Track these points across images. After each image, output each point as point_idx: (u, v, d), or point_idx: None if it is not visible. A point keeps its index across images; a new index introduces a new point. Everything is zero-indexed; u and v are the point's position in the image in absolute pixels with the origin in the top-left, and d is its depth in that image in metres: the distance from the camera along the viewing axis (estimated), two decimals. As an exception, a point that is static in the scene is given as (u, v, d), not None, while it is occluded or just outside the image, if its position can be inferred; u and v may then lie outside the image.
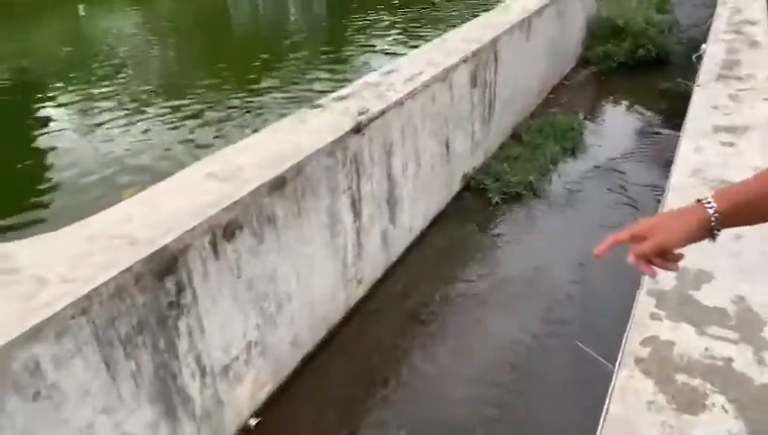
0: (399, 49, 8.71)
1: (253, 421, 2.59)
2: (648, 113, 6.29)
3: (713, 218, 1.03)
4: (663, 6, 8.48)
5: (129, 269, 1.90)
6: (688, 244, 1.06)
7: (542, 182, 4.74)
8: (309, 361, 2.97)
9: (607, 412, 1.58)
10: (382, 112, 3.27)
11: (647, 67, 7.21)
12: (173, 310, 2.10)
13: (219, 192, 2.35)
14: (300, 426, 2.65)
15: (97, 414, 1.87)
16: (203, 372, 2.28)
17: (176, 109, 6.77)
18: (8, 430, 1.61)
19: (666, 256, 1.08)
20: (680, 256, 1.09)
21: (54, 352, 1.70)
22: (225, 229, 2.28)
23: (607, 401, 1.63)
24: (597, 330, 3.07)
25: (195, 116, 6.54)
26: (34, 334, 1.64)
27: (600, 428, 1.54)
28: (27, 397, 1.65)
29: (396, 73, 3.80)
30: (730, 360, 1.63)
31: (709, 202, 1.04)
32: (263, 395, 2.69)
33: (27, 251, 1.97)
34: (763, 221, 1.05)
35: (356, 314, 3.33)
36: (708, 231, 1.04)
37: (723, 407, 1.52)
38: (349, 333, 3.21)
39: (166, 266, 2.04)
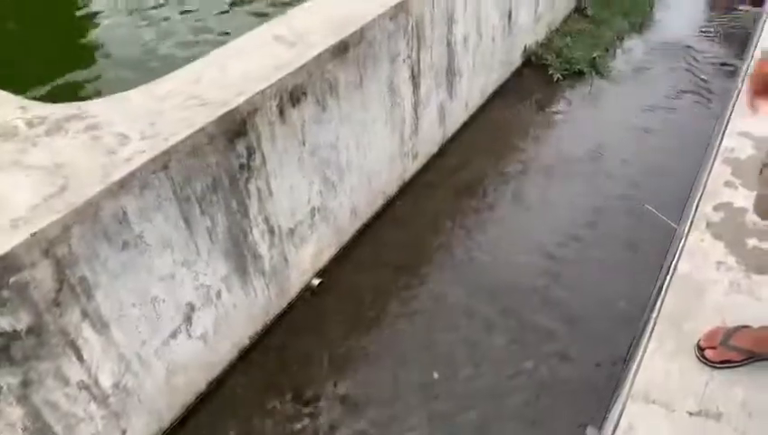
0: None
1: (315, 281, 2.73)
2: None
3: None
4: None
5: (202, 129, 1.93)
6: None
7: (606, 59, 4.52)
8: (366, 229, 3.06)
9: (675, 270, 1.60)
10: (446, -23, 3.09)
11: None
12: (244, 172, 2.15)
13: (285, 56, 2.32)
14: (358, 287, 2.77)
15: (177, 266, 2.00)
16: (271, 233, 2.38)
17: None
18: (102, 275, 1.74)
19: None
20: None
21: (139, 204, 1.79)
22: (291, 94, 2.27)
23: (674, 259, 1.65)
24: (664, 198, 3.05)
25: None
26: (121, 186, 1.72)
27: (666, 282, 1.57)
28: (117, 245, 1.76)
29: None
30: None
31: None
32: (324, 258, 2.81)
33: (104, 109, 2.02)
34: None
35: (411, 187, 3.37)
36: None
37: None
38: (404, 206, 3.27)
39: (236, 128, 2.07)
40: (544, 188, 3.37)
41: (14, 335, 1.54)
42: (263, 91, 2.13)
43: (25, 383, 1.60)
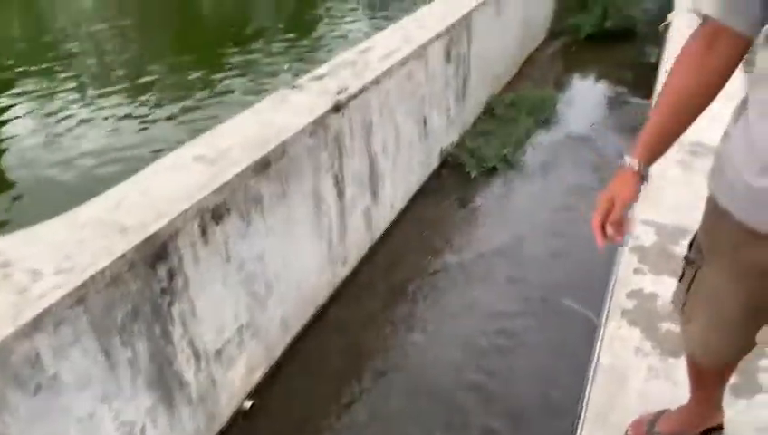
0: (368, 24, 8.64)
1: (247, 404, 2.62)
2: (617, 83, 6.39)
3: (637, 169, 1.28)
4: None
5: (122, 257, 1.89)
6: (638, 195, 1.31)
7: (517, 154, 4.81)
8: (299, 340, 3.01)
9: (597, 361, 1.66)
10: (360, 91, 3.27)
11: (615, 38, 7.30)
12: (166, 296, 2.10)
13: (207, 174, 2.34)
14: (293, 405, 2.69)
15: (97, 403, 1.88)
16: (197, 357, 2.30)
17: (141, 93, 6.63)
18: (12, 425, 1.61)
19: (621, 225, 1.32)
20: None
21: (53, 343, 1.70)
22: (213, 212, 2.28)
23: (596, 351, 1.71)
24: (580, 289, 3.17)
25: (162, 101, 6.42)
26: (33, 326, 1.63)
27: (591, 375, 1.62)
28: (29, 390, 1.65)
29: (372, 51, 3.79)
30: None
31: (628, 163, 1.29)
32: (256, 377, 2.72)
33: (17, 244, 1.95)
34: (674, 142, 1.28)
35: (343, 293, 3.37)
36: (642, 178, 1.29)
37: None
38: (337, 311, 3.25)
39: (157, 253, 2.04)
40: (470, 284, 3.46)
41: None
42: (184, 213, 2.13)
43: None
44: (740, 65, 1.17)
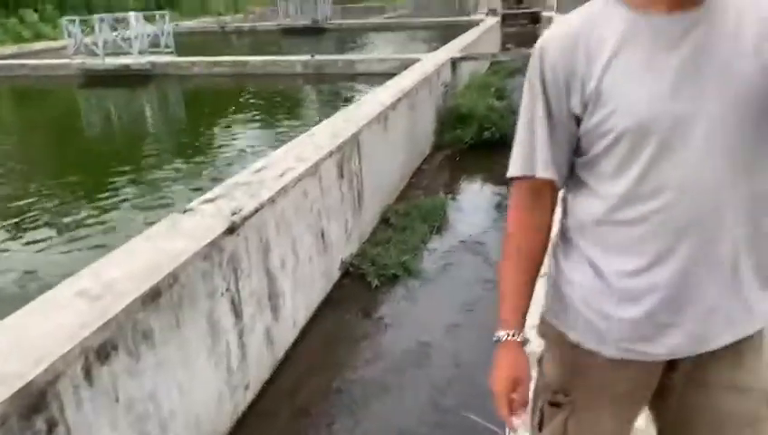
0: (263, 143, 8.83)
1: None
2: (501, 187, 6.85)
3: (519, 338, 1.30)
4: (502, 94, 9.43)
5: (-10, 415, 1.71)
6: (529, 365, 1.32)
7: (414, 261, 4.94)
8: (200, 480, 2.78)
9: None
10: (256, 211, 3.29)
11: (493, 146, 7.89)
12: (44, 450, 1.90)
13: (90, 311, 2.21)
14: None
15: None
16: None
17: (21, 222, 6.27)
18: None
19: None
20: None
21: None
22: (98, 352, 2.14)
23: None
24: (486, 397, 3.19)
25: (42, 227, 6.10)
26: None
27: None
28: None
29: (266, 170, 3.87)
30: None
31: (506, 336, 1.29)
32: None
33: None
34: (526, 298, 1.32)
35: (247, 421, 3.19)
36: (522, 344, 1.31)
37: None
38: (240, 443, 3.06)
39: (34, 403, 1.86)
40: (378, 399, 3.39)
41: None
42: (65, 356, 1.98)
43: None
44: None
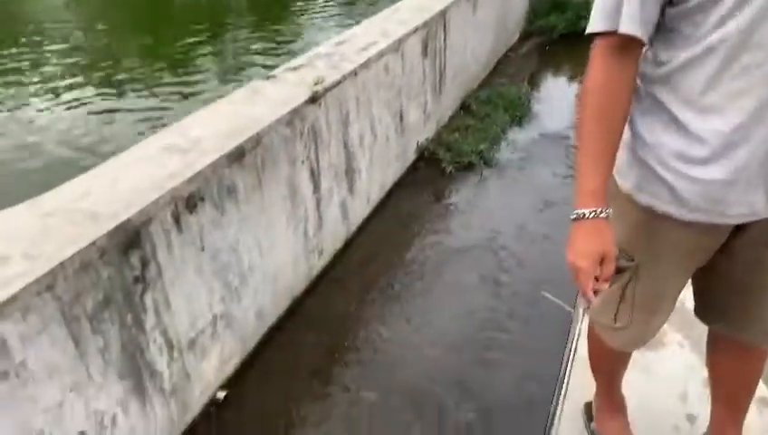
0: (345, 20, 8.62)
1: (221, 394, 2.59)
2: (591, 82, 6.47)
3: (604, 214, 1.20)
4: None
5: (93, 244, 1.86)
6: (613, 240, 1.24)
7: (492, 151, 4.84)
8: (274, 332, 2.99)
9: (575, 352, 1.67)
10: (337, 83, 3.26)
11: (588, 38, 7.38)
12: (138, 284, 2.07)
13: (179, 164, 2.31)
14: (267, 397, 2.66)
15: (66, 392, 1.84)
16: (170, 347, 2.26)
17: (111, 83, 6.51)
18: (-24, 412, 1.57)
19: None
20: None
21: (20, 330, 1.66)
22: (187, 201, 2.25)
23: (573, 341, 1.72)
24: (555, 283, 3.20)
25: (134, 90, 6.32)
26: (-1, 312, 1.59)
27: (568, 365, 1.63)
28: (-6, 377, 1.61)
29: (348, 44, 3.78)
30: (682, 301, 1.74)
31: (591, 214, 1.20)
32: (230, 368, 2.69)
33: (-19, 229, 1.90)
34: (612, 164, 1.22)
35: (318, 285, 3.35)
36: (608, 219, 1.22)
37: (679, 344, 1.63)
38: (312, 303, 3.23)
39: (129, 240, 2.00)
40: (447, 277, 3.47)
41: None
42: (156, 201, 2.09)
43: None
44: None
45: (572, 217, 1.23)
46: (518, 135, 5.26)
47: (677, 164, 1.16)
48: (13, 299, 1.62)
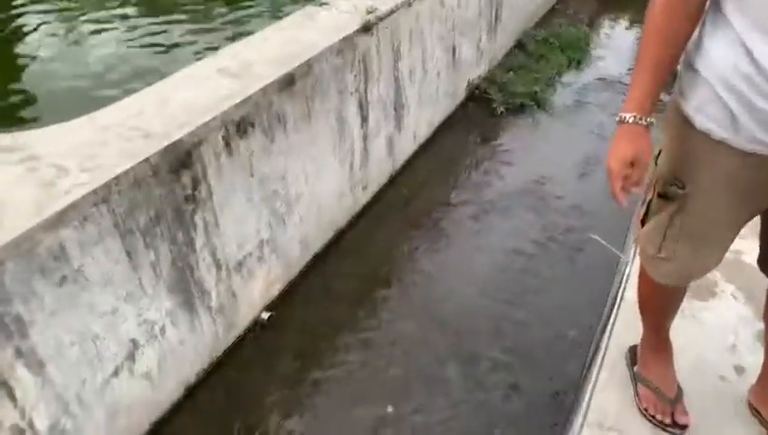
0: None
1: (265, 315, 2.67)
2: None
3: (645, 122, 1.22)
4: None
5: (146, 160, 1.90)
6: (652, 149, 1.26)
7: (546, 93, 4.69)
8: (317, 260, 3.04)
9: (622, 297, 1.64)
10: (391, 12, 3.17)
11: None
12: (189, 204, 2.11)
13: (231, 87, 2.31)
14: (308, 321, 2.73)
15: (119, 301, 1.93)
16: (218, 266, 2.33)
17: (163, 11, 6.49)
18: (37, 312, 1.66)
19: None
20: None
21: (78, 238, 1.72)
22: (238, 125, 2.26)
23: (621, 287, 1.69)
24: (603, 230, 3.14)
25: (183, 21, 6.29)
26: (59, 220, 1.65)
27: (613, 311, 1.61)
28: (54, 281, 1.69)
29: (404, -27, 3.65)
30: (739, 253, 1.68)
31: (632, 118, 1.23)
32: (274, 291, 2.76)
33: (42, 140, 1.95)
34: (667, 77, 1.21)
35: (362, 218, 3.37)
36: (649, 128, 1.24)
37: (732, 295, 1.58)
38: (354, 236, 3.27)
39: (181, 160, 2.03)
40: (491, 219, 3.44)
41: (-62, 379, 1.44)
42: (207, 123, 2.11)
43: (-50, 431, 1.50)
44: None
45: (617, 120, 1.26)
46: (574, 78, 5.07)
47: (740, 87, 1.10)
48: (72, 207, 1.68)
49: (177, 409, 2.29)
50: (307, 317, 2.75)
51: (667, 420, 1.51)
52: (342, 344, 2.63)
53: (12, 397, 1.63)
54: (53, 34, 5.97)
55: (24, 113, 4.36)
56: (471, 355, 2.59)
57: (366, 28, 2.96)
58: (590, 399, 1.58)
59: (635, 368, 1.59)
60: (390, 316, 2.79)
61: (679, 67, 1.26)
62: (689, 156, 1.24)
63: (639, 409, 1.53)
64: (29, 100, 4.63)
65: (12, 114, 4.31)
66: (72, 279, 1.73)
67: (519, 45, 5.33)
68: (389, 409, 2.37)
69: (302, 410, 2.34)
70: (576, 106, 4.66)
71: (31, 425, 1.71)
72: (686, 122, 1.22)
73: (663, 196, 1.31)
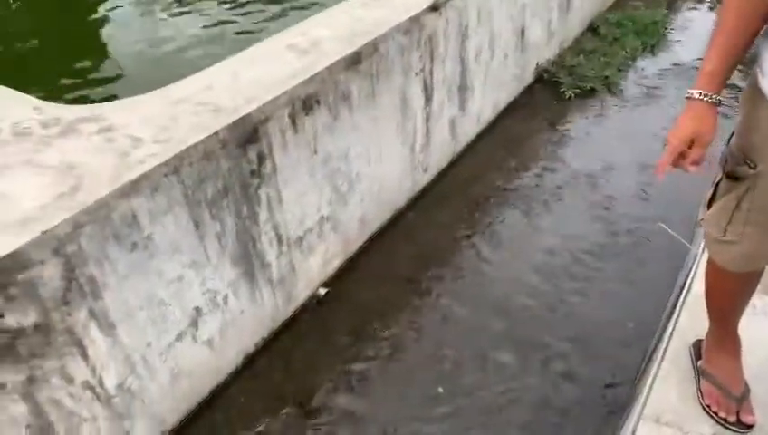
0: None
1: (322, 291, 2.72)
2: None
3: (712, 99, 1.22)
4: None
5: (215, 134, 1.95)
6: (716, 128, 1.25)
7: (617, 78, 4.52)
8: (375, 240, 3.06)
9: (689, 289, 1.59)
10: (460, -8, 3.12)
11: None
12: (255, 178, 2.16)
13: (298, 64, 2.33)
14: (364, 299, 2.76)
15: (185, 269, 2.00)
16: (279, 241, 2.38)
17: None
18: (110, 275, 1.74)
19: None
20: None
21: (149, 206, 1.79)
22: (304, 102, 2.29)
23: (688, 279, 1.63)
24: (674, 217, 3.03)
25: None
26: (132, 188, 1.73)
27: (678, 303, 1.56)
28: (126, 246, 1.76)
29: (475, -49, 3.57)
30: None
31: (698, 94, 1.23)
32: (332, 268, 2.81)
33: (117, 112, 2.04)
34: (741, 59, 1.21)
35: (422, 200, 3.37)
36: (716, 106, 1.24)
37: (810, 294, 1.49)
38: (413, 217, 3.27)
39: (248, 135, 2.08)
40: (555, 205, 3.36)
41: (20, 332, 1.54)
42: (275, 99, 2.15)
43: (30, 381, 1.60)
44: None
45: (686, 96, 1.27)
46: (648, 64, 4.85)
47: None
48: (144, 177, 1.75)
49: (235, 376, 2.37)
50: (362, 295, 2.78)
51: (732, 419, 1.46)
52: (395, 324, 2.65)
53: (84, 356, 1.73)
54: (130, 13, 6.20)
55: (101, 89, 4.56)
56: (526, 341, 2.56)
57: (434, 7, 2.92)
58: (648, 392, 1.54)
59: (699, 363, 1.54)
60: (445, 299, 2.78)
61: (757, 40, 1.22)
62: (763, 133, 1.19)
63: (702, 405, 1.48)
64: (105, 75, 4.84)
65: (89, 88, 4.52)
66: (142, 246, 1.81)
67: (591, 28, 5.14)
68: (440, 389, 2.38)
69: (354, 386, 2.38)
70: (648, 92, 4.47)
71: (101, 383, 1.81)
72: (761, 98, 1.17)
73: (732, 176, 1.28)
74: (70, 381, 1.70)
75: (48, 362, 1.63)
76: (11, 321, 1.51)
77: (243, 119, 2.04)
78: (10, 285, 1.48)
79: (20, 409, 1.59)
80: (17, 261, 1.48)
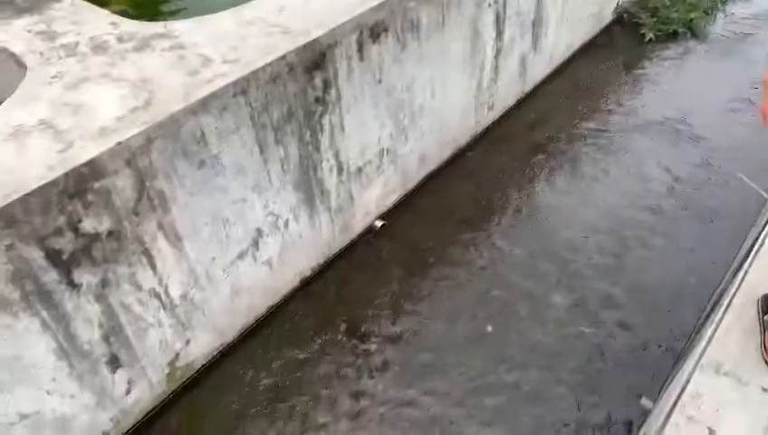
0: None
1: (378, 223, 2.75)
2: None
3: None
4: None
5: (283, 57, 1.94)
6: None
7: (704, 21, 4.22)
8: (433, 177, 3.04)
9: (762, 242, 1.52)
10: None
11: None
12: (319, 105, 2.16)
13: (369, -11, 2.27)
14: (419, 234, 2.77)
15: (249, 191, 2.05)
16: (340, 170, 2.40)
17: None
18: (178, 190, 1.80)
19: None
20: None
21: (217, 125, 1.83)
22: (371, 30, 2.24)
23: (763, 231, 1.56)
24: (753, 172, 2.87)
25: None
26: (201, 106, 1.76)
27: (751, 254, 1.49)
28: (194, 163, 1.81)
29: None
30: None
31: None
32: (389, 201, 2.82)
33: (190, 30, 2.05)
34: None
35: (484, 139, 3.30)
36: None
37: None
38: (473, 157, 3.22)
39: (315, 60, 2.06)
40: (623, 151, 3.23)
41: (95, 237, 1.63)
42: (343, 25, 2.11)
43: (103, 283, 1.70)
44: None
45: None
46: (740, 8, 4.50)
47: None
48: (213, 96, 1.77)
49: (291, 297, 2.46)
50: (417, 231, 2.79)
51: None
52: (449, 262, 2.65)
53: (152, 265, 1.82)
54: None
55: (174, 4, 4.58)
56: (581, 287, 2.52)
57: (514, -66, 2.77)
58: (708, 342, 1.50)
59: (766, 317, 1.48)
60: (500, 240, 2.76)
61: None
62: None
63: (765, 358, 1.44)
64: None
65: (164, 4, 4.54)
66: (209, 164, 1.85)
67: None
68: (489, 328, 2.39)
69: (403, 317, 2.43)
70: (736, 38, 4.16)
71: (166, 292, 1.90)
72: None
73: None
74: (138, 287, 1.80)
75: (120, 268, 1.72)
76: (88, 226, 1.59)
77: (312, 42, 2.02)
78: (87, 192, 1.56)
79: (94, 309, 1.70)
80: (94, 169, 1.55)
